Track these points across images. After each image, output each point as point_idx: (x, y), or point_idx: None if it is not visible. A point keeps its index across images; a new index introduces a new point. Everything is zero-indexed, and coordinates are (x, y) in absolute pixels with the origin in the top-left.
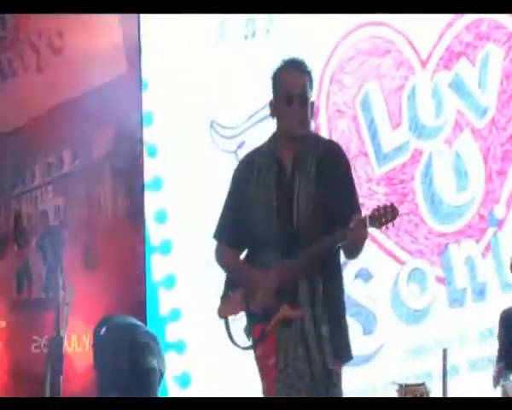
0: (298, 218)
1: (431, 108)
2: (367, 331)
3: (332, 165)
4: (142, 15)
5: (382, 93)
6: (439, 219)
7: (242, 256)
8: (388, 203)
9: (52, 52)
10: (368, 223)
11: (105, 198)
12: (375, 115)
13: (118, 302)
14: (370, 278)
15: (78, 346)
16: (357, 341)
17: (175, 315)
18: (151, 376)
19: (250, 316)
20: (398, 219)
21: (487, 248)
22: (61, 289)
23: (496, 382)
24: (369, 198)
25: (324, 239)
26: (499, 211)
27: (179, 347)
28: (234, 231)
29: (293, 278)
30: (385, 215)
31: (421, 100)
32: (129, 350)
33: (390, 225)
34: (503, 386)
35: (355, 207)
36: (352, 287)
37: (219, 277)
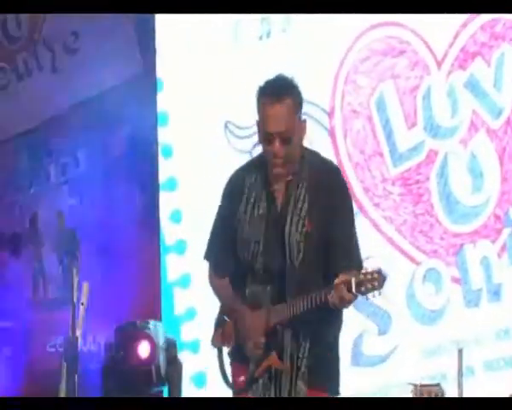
0: (290, 257)
1: (446, 109)
2: (382, 332)
3: (326, 193)
4: (157, 15)
5: (397, 93)
6: (454, 220)
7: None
8: (377, 269)
9: (67, 52)
10: (354, 288)
11: (120, 198)
12: (390, 115)
13: (133, 302)
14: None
15: (94, 345)
16: (372, 341)
17: (190, 314)
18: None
19: (235, 353)
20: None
21: (503, 248)
22: (77, 288)
23: None
24: (385, 198)
25: (303, 298)
26: None
27: (194, 346)
28: (221, 260)
29: (281, 326)
30: (372, 281)
31: (437, 100)
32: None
33: (376, 293)
34: None
35: (350, 238)
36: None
37: None
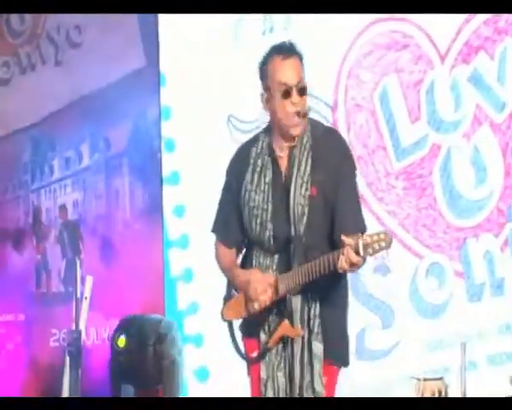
0: (294, 222)
1: (450, 103)
2: (385, 326)
3: (329, 156)
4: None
5: (401, 87)
6: (457, 214)
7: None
8: (382, 230)
9: (71, 46)
10: (361, 250)
11: (123, 192)
12: (394, 110)
13: (136, 296)
14: (388, 272)
15: (97, 339)
16: (375, 335)
17: (193, 308)
18: (173, 368)
19: (246, 325)
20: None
21: (506, 242)
22: (80, 282)
23: None
24: (388, 192)
25: (313, 264)
26: None
27: (197, 340)
28: (229, 229)
29: (290, 293)
30: (378, 241)
31: (440, 94)
32: (152, 348)
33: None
34: None
35: (355, 202)
36: (370, 281)
37: None
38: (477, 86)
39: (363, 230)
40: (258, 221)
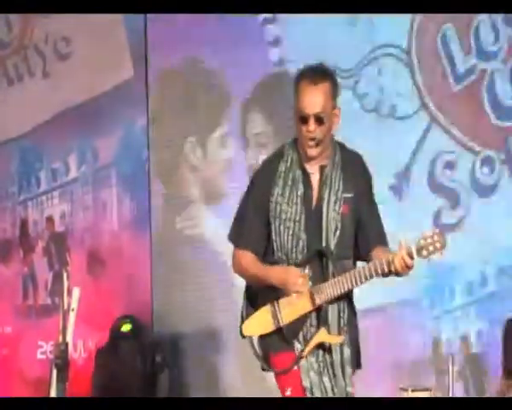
0: (327, 237)
1: (489, 39)
2: (452, 206)
3: (356, 178)
4: (149, 19)
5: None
6: (501, 118)
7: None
8: (436, 231)
9: (58, 58)
10: (415, 254)
11: (111, 204)
12: (452, 48)
13: (124, 308)
14: (454, 167)
15: (84, 352)
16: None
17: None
18: (161, 375)
19: (272, 341)
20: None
21: None
22: (67, 294)
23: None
24: (451, 109)
25: (364, 269)
26: None
27: None
28: (255, 237)
29: (328, 302)
30: (433, 243)
31: (483, 33)
32: (139, 355)
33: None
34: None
35: (379, 221)
36: (442, 176)
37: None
38: (509, 25)
39: (385, 243)
40: (291, 233)
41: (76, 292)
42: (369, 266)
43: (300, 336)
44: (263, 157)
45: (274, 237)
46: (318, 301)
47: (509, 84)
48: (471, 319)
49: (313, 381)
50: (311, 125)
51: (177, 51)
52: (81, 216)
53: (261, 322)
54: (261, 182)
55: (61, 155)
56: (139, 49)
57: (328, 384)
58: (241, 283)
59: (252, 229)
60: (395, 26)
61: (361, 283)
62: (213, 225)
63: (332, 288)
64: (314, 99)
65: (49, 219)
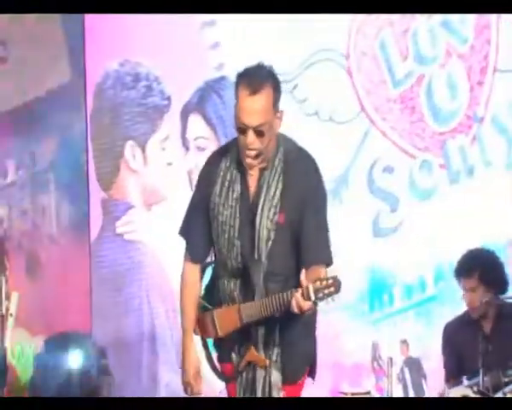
0: (258, 246)
1: (428, 43)
2: (392, 210)
3: (300, 181)
4: (86, 19)
5: (393, 36)
6: (439, 123)
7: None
8: (332, 275)
9: None
10: (312, 296)
11: (49, 208)
12: (389, 53)
13: (63, 312)
14: (393, 171)
15: (22, 356)
16: (385, 217)
17: None
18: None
19: (219, 349)
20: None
21: (473, 138)
22: (5, 299)
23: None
24: (389, 113)
25: (271, 300)
26: (480, 111)
27: None
28: (199, 241)
29: (253, 320)
30: (328, 287)
31: (421, 38)
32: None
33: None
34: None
35: (322, 231)
36: (379, 178)
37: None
38: (447, 30)
39: (326, 261)
40: (226, 236)
41: (14, 297)
42: (273, 297)
43: (236, 349)
44: (202, 161)
45: (214, 239)
46: (245, 320)
47: (446, 88)
48: (410, 322)
49: (241, 396)
50: (250, 136)
51: (116, 54)
52: (19, 220)
53: (203, 327)
54: (203, 180)
55: None
56: (78, 50)
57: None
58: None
59: (192, 235)
60: (335, 30)
61: (270, 312)
62: (153, 229)
63: (253, 309)
64: (252, 110)
65: None
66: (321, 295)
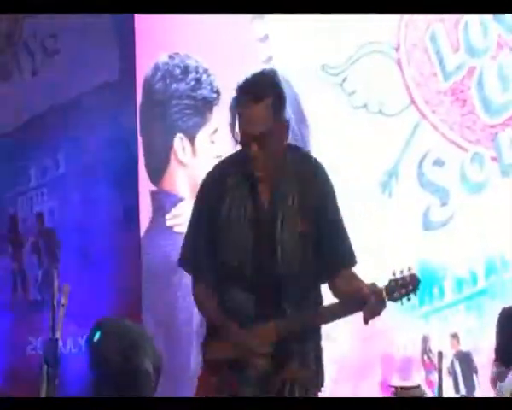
0: (282, 257)
1: (479, 34)
2: (443, 203)
3: (313, 189)
4: (136, 17)
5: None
6: (490, 115)
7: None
8: (408, 272)
9: (46, 55)
10: (385, 297)
11: (100, 200)
12: (440, 45)
13: (113, 304)
14: (443, 164)
15: (74, 348)
16: (435, 210)
17: None
18: (143, 377)
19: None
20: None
21: None
22: (57, 290)
23: (494, 383)
24: (440, 106)
25: (331, 311)
26: None
27: None
28: (207, 263)
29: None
30: (405, 286)
31: (473, 30)
32: (123, 352)
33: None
34: (500, 386)
35: (344, 234)
36: (431, 173)
37: None
38: (498, 22)
39: (351, 261)
40: (237, 258)
41: (66, 288)
42: (333, 309)
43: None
44: None
45: (222, 259)
46: (280, 335)
47: (498, 80)
48: (461, 315)
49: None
50: (253, 147)
51: (165, 48)
52: (70, 212)
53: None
54: (208, 198)
55: (50, 152)
56: (128, 45)
57: None
58: None
59: (199, 257)
60: (384, 23)
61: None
62: None
63: (293, 323)
64: (253, 120)
65: (39, 216)
66: (396, 294)
